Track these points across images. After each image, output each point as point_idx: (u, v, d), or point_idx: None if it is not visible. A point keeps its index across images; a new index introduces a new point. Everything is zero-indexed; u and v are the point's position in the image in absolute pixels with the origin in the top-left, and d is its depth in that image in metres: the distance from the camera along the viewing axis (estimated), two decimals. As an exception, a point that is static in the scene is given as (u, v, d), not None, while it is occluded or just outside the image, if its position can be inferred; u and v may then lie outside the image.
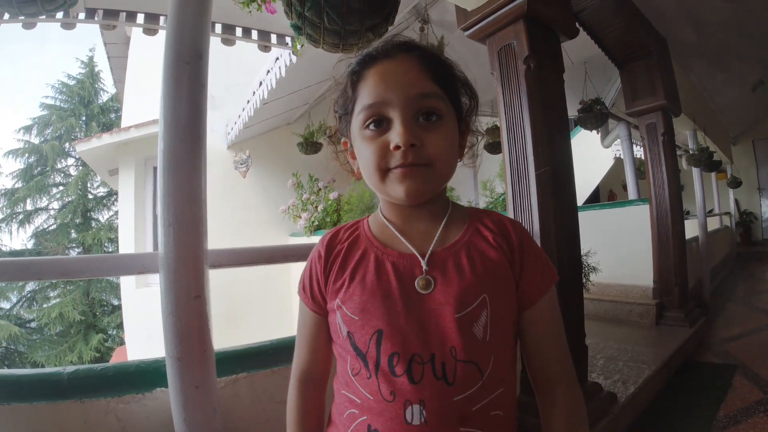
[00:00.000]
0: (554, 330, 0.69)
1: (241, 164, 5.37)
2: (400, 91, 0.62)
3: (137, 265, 0.99)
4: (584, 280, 2.60)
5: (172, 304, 0.87)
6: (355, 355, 0.64)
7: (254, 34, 2.44)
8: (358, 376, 0.63)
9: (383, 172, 0.63)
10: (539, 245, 0.72)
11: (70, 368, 0.98)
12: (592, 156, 8.41)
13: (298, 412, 0.75)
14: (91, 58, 16.59)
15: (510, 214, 1.71)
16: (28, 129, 15.54)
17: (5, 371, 0.95)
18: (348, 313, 0.65)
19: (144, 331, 5.75)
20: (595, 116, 3.98)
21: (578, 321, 1.75)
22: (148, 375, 1.01)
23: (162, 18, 2.29)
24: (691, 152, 4.97)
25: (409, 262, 0.66)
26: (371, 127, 0.64)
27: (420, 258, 0.65)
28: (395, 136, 0.61)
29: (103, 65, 16.66)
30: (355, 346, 0.64)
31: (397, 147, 0.61)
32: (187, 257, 0.89)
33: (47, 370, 0.97)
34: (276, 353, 1.12)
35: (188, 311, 0.88)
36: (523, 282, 0.67)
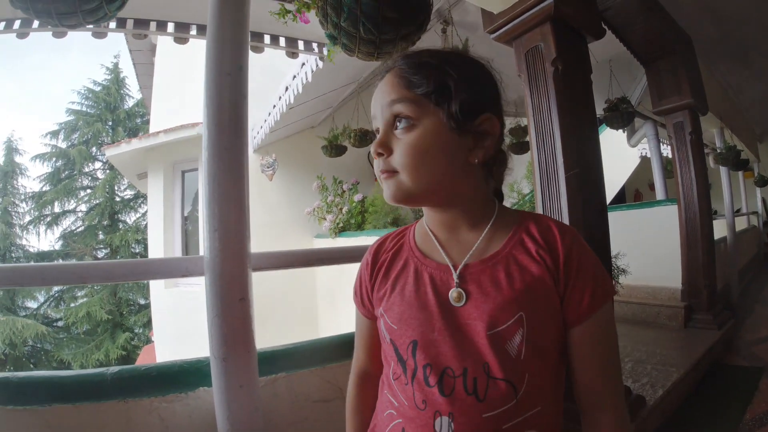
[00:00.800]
0: (604, 351, 0.64)
1: (268, 167, 5.43)
2: (377, 103, 0.65)
3: (181, 268, 1.02)
4: (614, 283, 2.58)
5: (218, 306, 0.90)
6: (397, 360, 0.65)
7: (282, 41, 2.49)
8: (398, 381, 0.65)
9: (379, 178, 0.66)
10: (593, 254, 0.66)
11: (114, 369, 1.00)
12: (617, 155, 8.24)
13: (355, 406, 0.79)
14: (116, 65, 17.06)
15: (539, 217, 1.70)
16: (55, 134, 16.03)
17: (47, 373, 0.97)
18: (389, 322, 0.67)
19: (172, 330, 5.87)
20: (622, 115, 3.92)
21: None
22: (191, 375, 1.03)
23: (193, 27, 2.34)
24: (718, 151, 4.86)
25: (445, 274, 0.65)
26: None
27: (453, 270, 0.65)
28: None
29: (128, 71, 17.07)
30: (397, 353, 0.65)
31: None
32: (232, 261, 0.92)
33: (90, 371, 0.99)
34: (313, 354, 1.14)
35: (233, 313, 0.91)
36: (567, 299, 0.62)
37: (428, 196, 0.65)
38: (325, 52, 1.97)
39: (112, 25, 2.51)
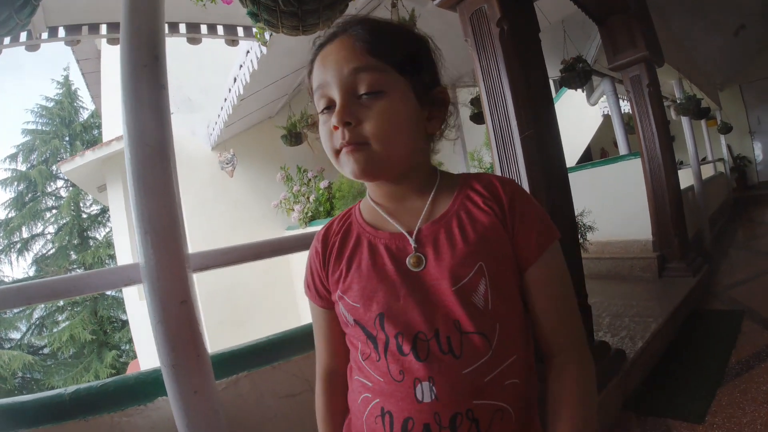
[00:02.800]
0: (558, 291, 0.65)
1: (227, 164, 5.33)
2: (335, 70, 0.61)
3: (122, 277, 0.98)
4: (581, 240, 2.59)
5: (159, 311, 0.86)
6: (366, 339, 0.64)
7: (220, 30, 2.38)
8: (369, 360, 0.63)
9: (336, 152, 0.63)
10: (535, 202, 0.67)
11: (71, 388, 0.97)
12: (580, 116, 8.36)
13: (326, 411, 0.75)
14: (66, 78, 16.45)
15: (498, 183, 1.68)
16: (13, 157, 15.47)
17: (8, 399, 0.95)
18: (350, 302, 0.66)
19: (153, 342, 5.78)
20: (578, 74, 3.93)
21: (578, 282, 1.74)
22: (148, 385, 1.00)
23: (123, 25, 2.23)
24: (678, 101, 4.94)
25: (401, 242, 0.65)
26: (324, 110, 0.63)
27: (408, 236, 0.64)
28: (333, 116, 0.60)
29: (79, 83, 16.46)
30: (365, 330, 0.64)
31: (336, 127, 0.60)
32: (168, 263, 0.87)
33: (49, 393, 0.97)
34: (274, 348, 1.11)
35: (176, 317, 0.87)
36: (517, 242, 0.63)
37: (396, 167, 0.64)
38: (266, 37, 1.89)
39: (44, 35, 2.40)
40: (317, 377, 0.77)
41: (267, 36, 1.69)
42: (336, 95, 0.61)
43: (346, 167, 0.62)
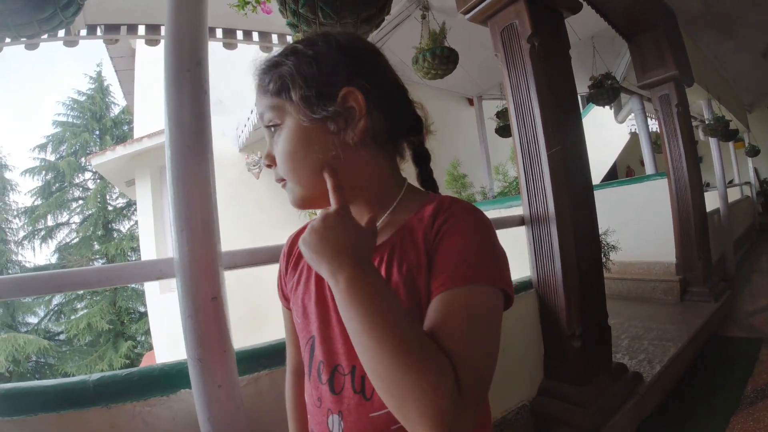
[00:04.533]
0: (454, 333, 0.47)
1: (254, 166, 5.41)
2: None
3: (155, 270, 1.01)
4: (604, 260, 2.57)
5: (190, 306, 0.88)
6: (304, 357, 0.65)
7: (255, 36, 2.44)
8: (306, 377, 0.65)
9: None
10: (486, 237, 0.55)
11: (96, 375, 0.99)
12: (607, 133, 8.25)
13: (293, 408, 0.75)
14: (99, 73, 16.88)
15: (523, 197, 1.69)
16: (43, 147, 15.91)
17: (31, 383, 0.96)
18: (294, 316, 0.67)
19: (171, 335, 5.86)
20: (607, 91, 3.90)
21: (600, 301, 1.73)
22: (172, 377, 1.02)
23: (163, 28, 2.30)
24: (707, 122, 4.85)
25: None
26: None
27: None
28: None
29: (111, 79, 16.92)
30: (302, 348, 0.65)
31: None
32: (202, 260, 0.89)
33: (73, 378, 0.98)
34: (296, 349, 1.13)
35: (206, 313, 0.89)
36: (432, 272, 0.54)
37: (323, 195, 0.57)
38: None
39: (83, 32, 2.48)
40: (287, 372, 0.77)
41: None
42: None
43: None
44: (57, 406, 0.93)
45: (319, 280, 0.63)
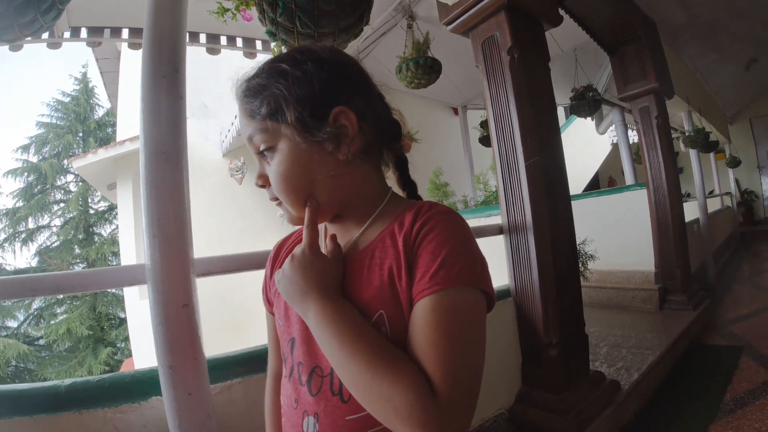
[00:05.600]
0: (437, 339, 0.50)
1: (237, 171, 5.40)
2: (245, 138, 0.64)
3: (128, 277, 1.00)
4: (582, 269, 2.60)
5: (161, 313, 0.88)
6: (284, 358, 0.66)
7: (239, 42, 2.45)
8: (284, 378, 0.66)
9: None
10: (465, 240, 0.57)
11: (68, 381, 0.99)
12: (589, 143, 8.40)
13: (272, 410, 0.76)
14: (84, 75, 16.67)
15: (502, 207, 1.71)
16: (26, 148, 15.62)
17: (7, 386, 0.96)
18: (276, 318, 0.69)
19: (150, 342, 5.77)
20: (588, 103, 3.97)
21: (577, 310, 1.75)
22: (143, 384, 1.01)
23: (146, 31, 2.29)
24: (687, 134, 4.95)
25: None
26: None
27: None
28: None
29: (96, 80, 16.70)
30: (283, 350, 0.66)
31: None
32: (174, 267, 0.89)
33: (46, 383, 0.98)
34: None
35: (177, 320, 0.89)
36: (413, 276, 0.55)
37: (319, 213, 0.63)
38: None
39: (67, 34, 2.46)
40: (267, 377, 0.78)
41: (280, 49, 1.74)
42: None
43: None
44: (31, 410, 0.93)
45: None
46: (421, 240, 0.56)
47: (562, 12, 2.06)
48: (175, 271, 0.89)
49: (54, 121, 15.98)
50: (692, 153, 5.02)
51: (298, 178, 0.60)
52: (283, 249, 0.75)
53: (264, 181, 0.63)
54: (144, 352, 6.19)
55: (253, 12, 1.12)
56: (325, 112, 0.58)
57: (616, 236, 3.58)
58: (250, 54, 2.46)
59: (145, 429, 0.99)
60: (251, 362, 1.09)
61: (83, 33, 2.45)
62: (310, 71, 0.59)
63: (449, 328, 0.51)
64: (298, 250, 0.60)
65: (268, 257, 0.78)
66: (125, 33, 2.39)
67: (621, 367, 2.12)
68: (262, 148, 0.61)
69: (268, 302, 0.75)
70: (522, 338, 1.75)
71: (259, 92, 0.60)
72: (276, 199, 0.63)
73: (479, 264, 0.56)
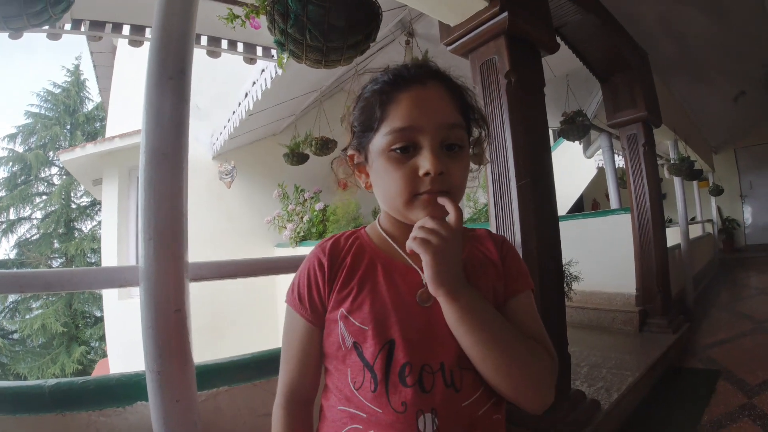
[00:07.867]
0: (533, 318, 0.71)
1: (226, 175, 5.37)
2: (432, 119, 0.63)
3: (119, 278, 0.99)
4: (566, 289, 2.63)
5: (152, 318, 0.87)
6: (361, 367, 0.63)
7: (240, 47, 2.46)
8: (362, 390, 0.62)
9: (410, 196, 0.64)
10: (520, 256, 0.77)
11: (52, 381, 0.97)
12: (575, 166, 8.53)
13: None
14: (77, 67, 16.50)
15: (492, 225, 1.73)
16: (12, 137, 15.35)
17: None
18: (356, 323, 0.64)
19: (127, 344, 5.65)
20: (578, 128, 4.05)
21: (561, 329, 1.77)
22: (128, 388, 1.00)
23: (148, 30, 2.29)
24: (672, 162, 5.07)
25: (412, 276, 0.68)
26: (398, 151, 0.64)
27: (420, 273, 0.67)
28: (425, 162, 0.62)
29: (89, 74, 16.49)
30: (362, 357, 0.63)
31: (427, 173, 0.62)
32: (168, 271, 0.89)
33: (29, 382, 0.97)
34: (257, 366, 1.12)
35: (168, 325, 0.88)
36: (506, 284, 0.71)
37: None
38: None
39: (68, 26, 2.45)
40: (280, 396, 0.72)
41: (285, 58, 1.76)
42: (426, 142, 0.63)
43: (423, 212, 0.64)
44: (13, 409, 0.92)
45: (391, 286, 0.67)
46: (507, 253, 0.74)
47: (558, 39, 2.11)
48: (170, 275, 0.89)
49: (43, 111, 15.75)
50: (676, 180, 5.13)
51: (466, 179, 0.70)
52: (340, 250, 0.72)
53: (445, 171, 0.64)
54: (119, 353, 6.04)
55: (263, 21, 1.14)
56: (482, 145, 0.76)
57: (600, 259, 3.64)
58: (251, 60, 2.48)
59: (128, 434, 0.98)
60: (239, 370, 1.08)
61: (84, 26, 2.44)
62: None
63: (539, 318, 0.71)
64: (451, 221, 0.64)
65: (309, 262, 0.72)
66: (126, 29, 2.38)
67: (601, 387, 2.14)
68: (456, 141, 0.66)
69: (312, 310, 0.70)
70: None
71: (467, 98, 0.71)
72: (437, 191, 0.64)
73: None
